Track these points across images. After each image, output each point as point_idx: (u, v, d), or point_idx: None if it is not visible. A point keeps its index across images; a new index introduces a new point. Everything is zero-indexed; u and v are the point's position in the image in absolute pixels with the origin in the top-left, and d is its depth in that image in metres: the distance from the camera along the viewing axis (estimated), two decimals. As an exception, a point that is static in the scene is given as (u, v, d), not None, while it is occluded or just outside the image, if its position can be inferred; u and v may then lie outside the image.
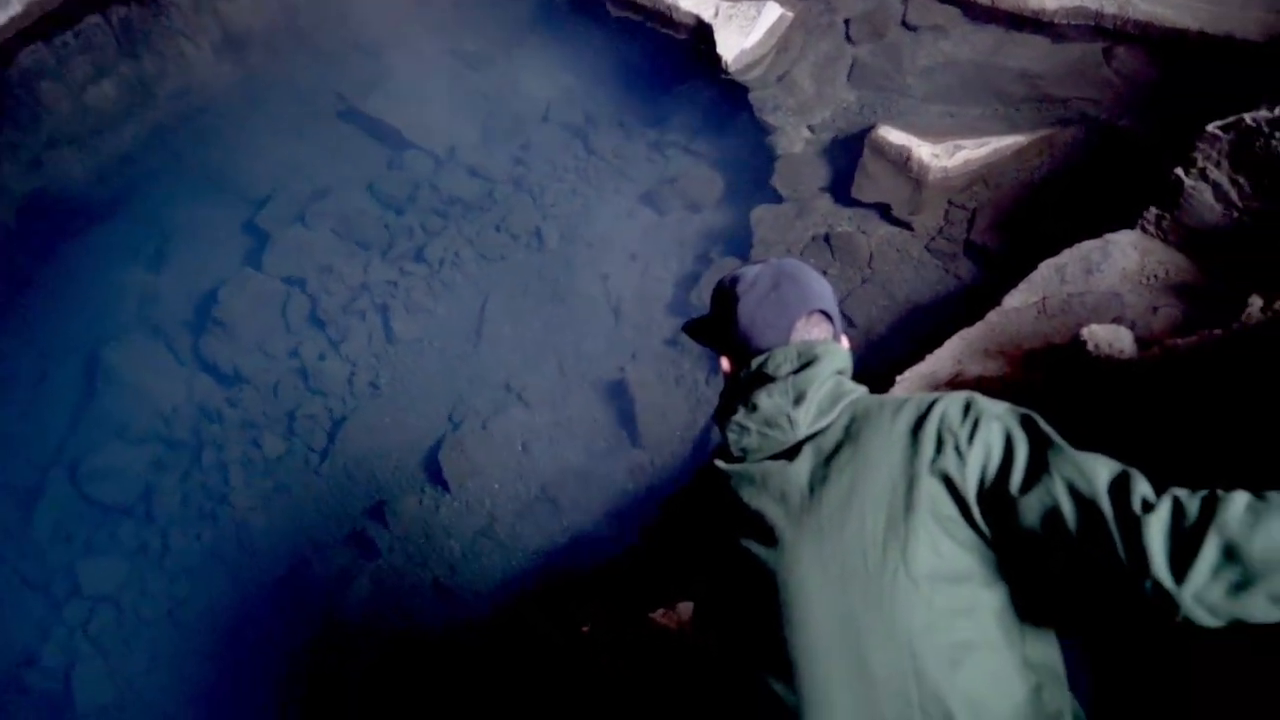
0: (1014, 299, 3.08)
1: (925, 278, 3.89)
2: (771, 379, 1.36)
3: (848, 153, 4.31)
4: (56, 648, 4.12)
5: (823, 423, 1.32)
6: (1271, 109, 2.75)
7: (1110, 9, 4.08)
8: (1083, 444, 1.20)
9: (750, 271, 1.49)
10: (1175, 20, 3.91)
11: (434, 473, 4.14)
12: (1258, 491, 1.06)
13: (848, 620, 1.20)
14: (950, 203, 3.99)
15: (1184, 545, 1.04)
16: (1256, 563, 1.01)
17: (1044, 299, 3.02)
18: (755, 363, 1.40)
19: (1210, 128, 2.87)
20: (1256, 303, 2.39)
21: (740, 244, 4.35)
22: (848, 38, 4.75)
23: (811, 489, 1.27)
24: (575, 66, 5.55)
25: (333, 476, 4.30)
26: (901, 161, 4.02)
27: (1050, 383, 2.59)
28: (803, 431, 1.32)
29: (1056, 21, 4.25)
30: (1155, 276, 2.98)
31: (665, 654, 2.28)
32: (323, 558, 4.08)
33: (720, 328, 1.49)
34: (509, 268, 4.81)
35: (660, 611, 2.39)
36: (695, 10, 4.94)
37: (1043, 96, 4.16)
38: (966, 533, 1.21)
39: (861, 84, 4.58)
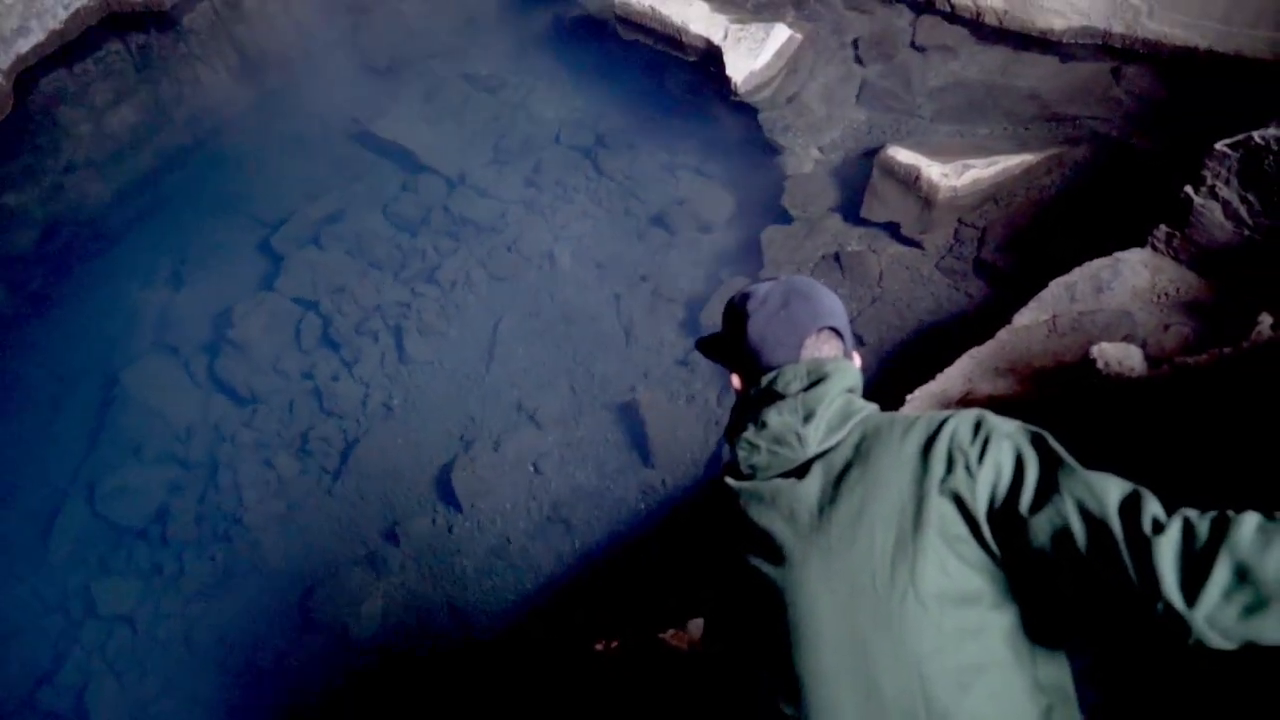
0: (1024, 317, 3.08)
1: (935, 296, 3.90)
2: (781, 396, 1.36)
3: (857, 173, 4.33)
4: (71, 668, 4.14)
5: (832, 441, 1.32)
6: (1280, 127, 2.76)
7: (1118, 28, 4.10)
8: (1093, 462, 1.19)
9: (761, 289, 1.48)
10: (1184, 39, 3.92)
11: (446, 493, 4.15)
12: (1269, 512, 1.05)
13: (856, 641, 1.19)
14: (960, 221, 4.00)
15: (1195, 567, 1.03)
16: (1269, 584, 1.00)
17: (1054, 317, 3.02)
18: (765, 380, 1.40)
19: (1219, 145, 2.87)
20: (1266, 320, 2.39)
21: (750, 264, 4.37)
22: (856, 59, 4.78)
23: (821, 508, 1.26)
24: (586, 89, 5.60)
25: (346, 497, 4.32)
26: (911, 181, 4.04)
27: (1061, 401, 2.58)
28: (812, 449, 1.32)
29: (1065, 41, 4.27)
30: (1165, 294, 2.98)
31: (675, 673, 2.28)
32: (336, 578, 4.09)
33: (731, 344, 1.49)
34: (521, 289, 4.84)
35: (670, 632, 2.39)
36: (705, 33, 4.99)
37: (1051, 115, 4.17)
38: (976, 553, 1.20)
39: (870, 104, 4.61)
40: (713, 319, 4.21)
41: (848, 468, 1.28)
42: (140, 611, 4.23)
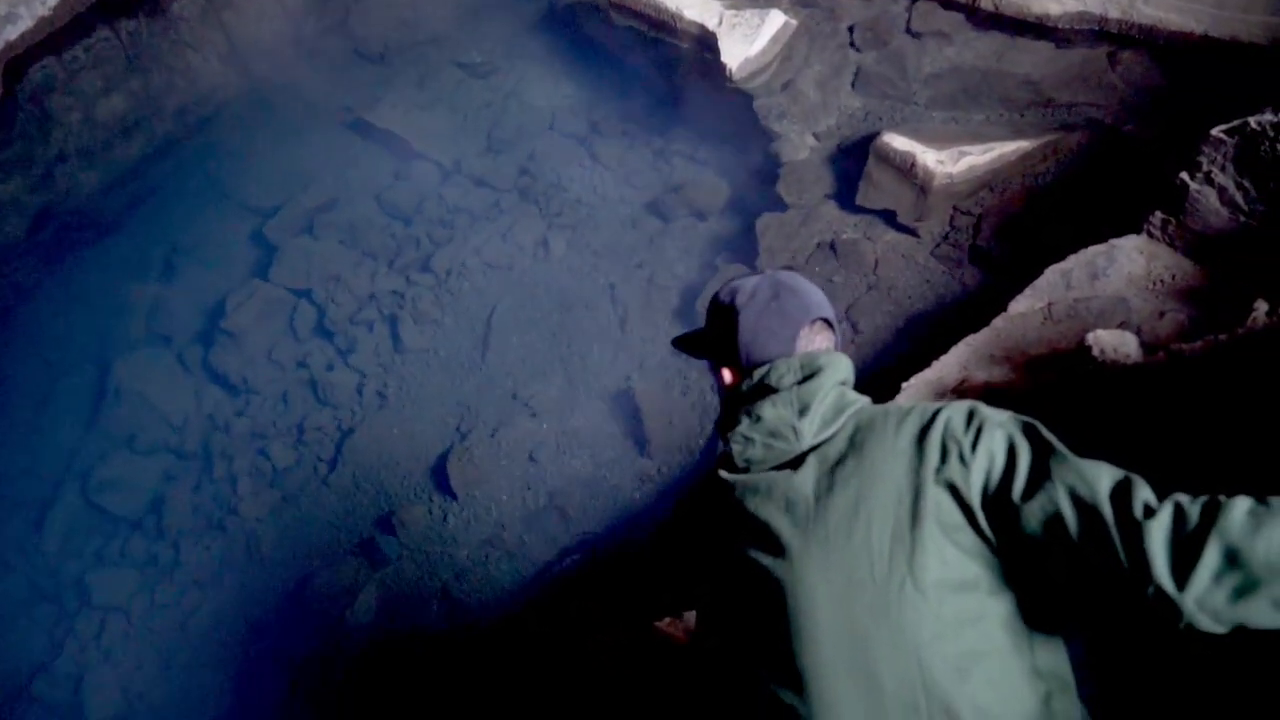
0: (1020, 305, 3.07)
1: (931, 284, 3.89)
2: (775, 390, 1.37)
3: (853, 160, 4.31)
4: (67, 658, 4.15)
5: (827, 433, 1.33)
6: (1276, 112, 2.74)
7: (1114, 13, 4.08)
8: (1088, 449, 1.20)
9: (748, 283, 1.49)
10: (1179, 24, 3.90)
11: (442, 482, 4.15)
12: (1260, 496, 1.06)
13: (856, 631, 1.20)
14: (955, 208, 3.99)
15: (1185, 551, 1.04)
16: (1259, 567, 1.01)
17: (1050, 304, 3.02)
18: (758, 374, 1.40)
19: (1215, 131, 2.86)
20: (1262, 307, 2.39)
21: (746, 251, 4.36)
22: (852, 45, 4.76)
23: (817, 499, 1.27)
24: (580, 76, 5.57)
25: (341, 486, 4.32)
26: (906, 168, 4.02)
27: (1057, 388, 2.58)
28: (807, 442, 1.33)
29: (1060, 26, 4.24)
30: (1161, 281, 2.97)
31: (671, 663, 2.28)
32: (331, 567, 4.09)
33: (721, 340, 1.49)
34: (516, 277, 4.82)
35: (666, 620, 2.39)
36: (699, 19, 4.96)
37: (1047, 102, 4.16)
38: (972, 540, 1.21)
39: (866, 91, 4.59)
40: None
41: (842, 459, 1.29)
42: (136, 602, 4.24)
